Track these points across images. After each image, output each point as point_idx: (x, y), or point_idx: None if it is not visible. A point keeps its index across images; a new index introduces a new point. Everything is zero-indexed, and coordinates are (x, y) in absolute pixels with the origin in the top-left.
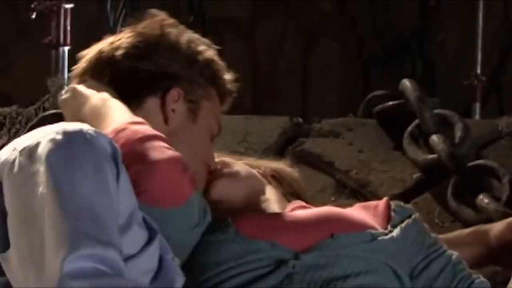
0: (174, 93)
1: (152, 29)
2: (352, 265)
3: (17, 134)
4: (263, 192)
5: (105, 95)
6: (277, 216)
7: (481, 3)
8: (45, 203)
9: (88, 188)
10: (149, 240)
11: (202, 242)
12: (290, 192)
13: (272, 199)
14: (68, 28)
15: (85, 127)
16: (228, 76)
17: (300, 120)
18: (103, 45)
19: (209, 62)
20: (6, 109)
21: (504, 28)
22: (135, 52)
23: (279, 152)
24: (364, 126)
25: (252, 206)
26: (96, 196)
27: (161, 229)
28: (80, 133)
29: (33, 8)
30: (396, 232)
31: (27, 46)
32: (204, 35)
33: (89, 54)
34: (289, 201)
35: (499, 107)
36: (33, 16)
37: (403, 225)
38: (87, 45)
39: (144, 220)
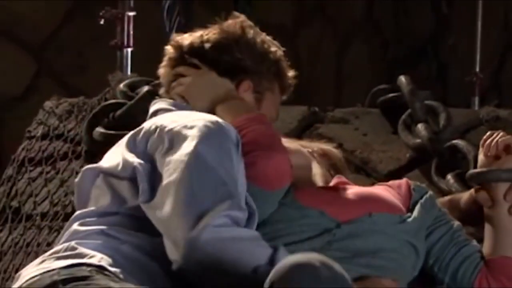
0: (245, 85)
1: (234, 28)
2: (383, 241)
3: (82, 120)
4: (309, 166)
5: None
6: (327, 190)
7: (479, 12)
8: (192, 169)
9: (228, 165)
10: (249, 217)
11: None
12: (334, 169)
13: (318, 173)
14: (131, 32)
15: (220, 120)
16: (290, 73)
17: (316, 109)
18: (193, 38)
19: (277, 60)
20: (75, 99)
21: (504, 34)
22: (219, 46)
23: (298, 135)
24: (369, 114)
25: (300, 177)
26: (234, 173)
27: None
28: (219, 124)
29: (101, 15)
30: (417, 210)
31: (99, 49)
32: None
33: (179, 43)
34: (332, 175)
35: (499, 101)
36: (102, 22)
37: (422, 201)
38: (148, 47)
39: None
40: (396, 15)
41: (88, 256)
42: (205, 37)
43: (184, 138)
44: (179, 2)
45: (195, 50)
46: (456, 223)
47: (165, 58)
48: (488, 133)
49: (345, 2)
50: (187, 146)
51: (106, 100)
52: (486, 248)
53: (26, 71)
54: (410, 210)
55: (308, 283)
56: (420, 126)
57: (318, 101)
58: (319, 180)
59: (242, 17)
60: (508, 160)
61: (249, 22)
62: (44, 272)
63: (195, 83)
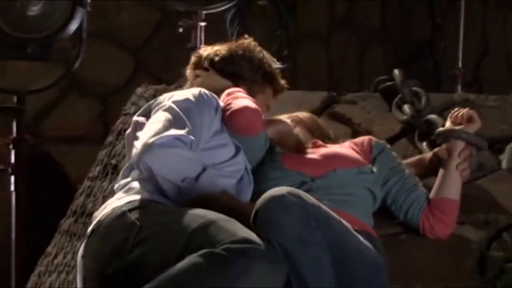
0: (242, 89)
1: (238, 48)
2: (346, 186)
3: None
4: (291, 130)
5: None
6: (303, 156)
7: (461, 22)
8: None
9: (196, 112)
10: (236, 152)
11: (261, 166)
12: (309, 129)
13: (300, 133)
14: (202, 38)
15: (205, 90)
16: (282, 82)
17: (334, 93)
18: (211, 50)
19: (269, 72)
20: (158, 86)
21: (483, 39)
22: (225, 59)
23: (320, 113)
24: (372, 97)
25: (284, 139)
26: (200, 119)
27: (242, 148)
28: (200, 92)
29: (180, 25)
30: (376, 164)
31: (180, 50)
32: (289, 44)
33: (199, 54)
34: (312, 134)
35: (479, 90)
36: (181, 30)
37: (379, 156)
38: None
39: (233, 142)
40: (402, 25)
41: (142, 195)
42: (217, 52)
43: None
44: (238, 15)
45: (209, 59)
46: (407, 172)
47: (190, 63)
48: (456, 108)
49: (365, 15)
50: (167, 103)
51: (181, 87)
52: (434, 190)
53: (127, 67)
54: (372, 162)
55: (278, 207)
56: (406, 106)
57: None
58: (301, 138)
59: (249, 39)
60: (468, 127)
61: (253, 43)
62: (113, 208)
63: (205, 81)
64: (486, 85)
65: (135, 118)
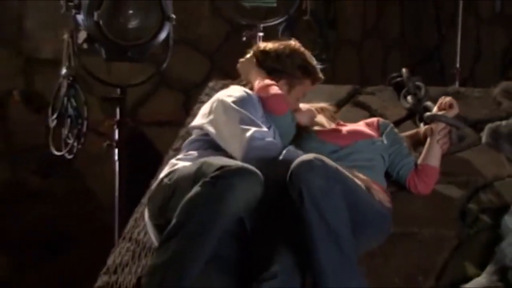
0: (281, 83)
1: (284, 46)
2: (365, 153)
3: None
4: (315, 116)
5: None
6: (332, 130)
7: (459, 31)
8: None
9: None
10: (269, 128)
11: (301, 139)
12: (329, 116)
13: (321, 119)
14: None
15: (246, 90)
16: (319, 74)
17: (358, 86)
18: (258, 47)
19: (307, 66)
20: (226, 81)
21: (476, 45)
22: (271, 55)
23: (346, 102)
24: (387, 90)
25: (312, 122)
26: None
27: (276, 125)
28: (245, 92)
29: (244, 35)
30: (384, 136)
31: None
32: (327, 49)
33: (253, 49)
34: (333, 120)
35: (473, 85)
36: (244, 39)
37: (386, 131)
38: None
39: (266, 121)
40: (416, 34)
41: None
42: (266, 48)
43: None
44: (288, 28)
45: (255, 53)
46: (404, 144)
47: (245, 56)
48: (443, 97)
49: (388, 27)
50: (219, 101)
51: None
52: (420, 158)
53: (204, 68)
54: (380, 135)
55: (307, 168)
56: (409, 97)
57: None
58: (323, 123)
59: (293, 41)
60: (449, 112)
61: (297, 44)
62: (161, 178)
63: (245, 68)
64: (479, 81)
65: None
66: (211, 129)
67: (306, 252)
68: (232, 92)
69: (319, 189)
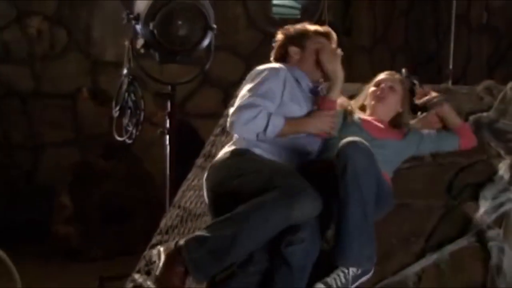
0: (295, 49)
1: (301, 26)
2: (388, 150)
3: None
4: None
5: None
6: (373, 121)
7: (452, 38)
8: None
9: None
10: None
11: (345, 124)
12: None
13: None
14: None
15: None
16: (330, 36)
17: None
18: (287, 30)
19: (317, 35)
20: None
21: (467, 52)
22: (293, 34)
23: None
24: None
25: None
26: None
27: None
28: (269, 66)
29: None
30: (407, 140)
31: None
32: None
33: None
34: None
35: (465, 83)
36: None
37: (409, 134)
38: None
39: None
40: (418, 40)
41: (241, 144)
42: (289, 29)
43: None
44: None
45: (283, 34)
46: (425, 132)
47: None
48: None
49: (395, 35)
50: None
51: None
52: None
53: (240, 69)
54: (404, 136)
55: (354, 148)
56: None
57: None
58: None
59: (307, 23)
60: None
61: (312, 26)
62: (224, 152)
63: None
64: (469, 80)
65: None
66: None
67: (339, 217)
68: (257, 75)
69: (361, 167)
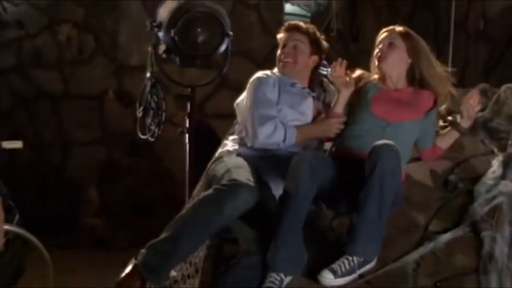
0: (316, 58)
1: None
2: (404, 135)
3: None
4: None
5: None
6: (388, 101)
7: (450, 43)
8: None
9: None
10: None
11: (357, 105)
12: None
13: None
14: None
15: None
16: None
17: None
18: (306, 27)
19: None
20: None
21: (466, 56)
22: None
23: None
24: None
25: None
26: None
27: None
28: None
29: None
30: (425, 116)
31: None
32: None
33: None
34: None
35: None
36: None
37: (431, 111)
38: None
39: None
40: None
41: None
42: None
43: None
44: None
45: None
46: (435, 127)
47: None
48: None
49: None
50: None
51: None
52: (440, 142)
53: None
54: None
55: (385, 151)
56: None
57: None
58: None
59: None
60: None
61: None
62: (220, 152)
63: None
64: (467, 83)
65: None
66: (237, 111)
67: (357, 210)
68: (253, 83)
69: (389, 168)
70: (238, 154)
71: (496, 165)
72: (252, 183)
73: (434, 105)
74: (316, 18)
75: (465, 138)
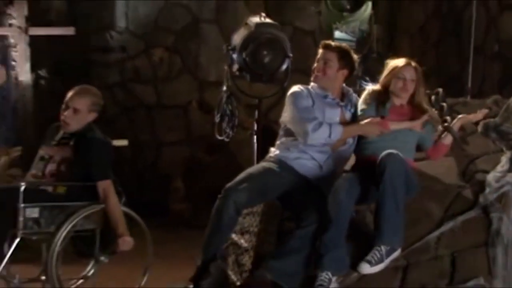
0: (346, 72)
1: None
2: (406, 139)
3: None
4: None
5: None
6: (398, 115)
7: (470, 63)
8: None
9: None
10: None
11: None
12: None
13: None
14: None
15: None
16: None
17: None
18: (340, 46)
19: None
20: None
21: (482, 73)
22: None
23: None
24: None
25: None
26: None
27: None
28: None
29: None
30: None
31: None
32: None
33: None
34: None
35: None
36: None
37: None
38: None
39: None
40: (446, 66)
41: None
42: (342, 46)
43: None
44: (363, 61)
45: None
46: (434, 132)
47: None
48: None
49: (429, 60)
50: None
51: None
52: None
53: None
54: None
55: (391, 158)
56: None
57: None
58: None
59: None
60: (456, 124)
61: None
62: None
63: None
64: (484, 96)
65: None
66: (281, 125)
67: (377, 207)
68: (291, 96)
69: (397, 172)
70: (273, 159)
71: (504, 160)
72: (241, 185)
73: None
74: (360, 42)
75: (478, 139)
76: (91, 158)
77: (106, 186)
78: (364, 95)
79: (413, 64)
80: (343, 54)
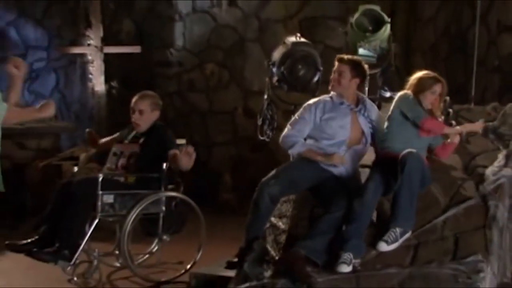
0: (358, 80)
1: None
2: (419, 142)
3: None
4: None
5: None
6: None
7: (474, 74)
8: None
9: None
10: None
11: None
12: None
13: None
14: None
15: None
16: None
17: None
18: (352, 59)
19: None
20: None
21: (484, 84)
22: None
23: None
24: None
25: None
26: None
27: None
28: (312, 100)
29: None
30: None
31: None
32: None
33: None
34: None
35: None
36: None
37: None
38: None
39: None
40: (453, 77)
41: None
42: (354, 58)
43: None
44: (382, 74)
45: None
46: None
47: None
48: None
49: (440, 74)
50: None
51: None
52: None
53: None
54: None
55: (411, 156)
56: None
57: None
58: None
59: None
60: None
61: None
62: None
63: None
64: (485, 104)
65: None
66: None
67: (394, 196)
68: (302, 106)
69: (415, 168)
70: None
71: (500, 157)
72: (273, 180)
73: None
74: (380, 58)
75: (478, 139)
76: (163, 136)
77: (174, 152)
78: (406, 97)
79: (442, 80)
80: (354, 66)
